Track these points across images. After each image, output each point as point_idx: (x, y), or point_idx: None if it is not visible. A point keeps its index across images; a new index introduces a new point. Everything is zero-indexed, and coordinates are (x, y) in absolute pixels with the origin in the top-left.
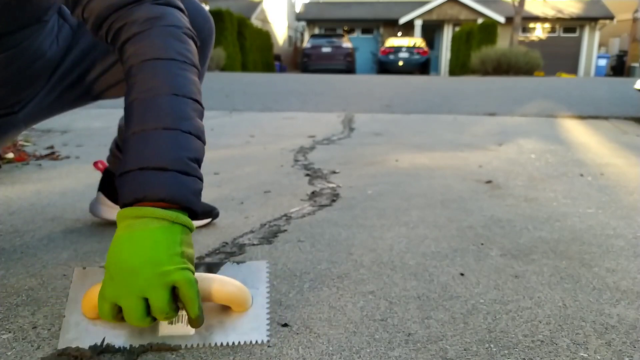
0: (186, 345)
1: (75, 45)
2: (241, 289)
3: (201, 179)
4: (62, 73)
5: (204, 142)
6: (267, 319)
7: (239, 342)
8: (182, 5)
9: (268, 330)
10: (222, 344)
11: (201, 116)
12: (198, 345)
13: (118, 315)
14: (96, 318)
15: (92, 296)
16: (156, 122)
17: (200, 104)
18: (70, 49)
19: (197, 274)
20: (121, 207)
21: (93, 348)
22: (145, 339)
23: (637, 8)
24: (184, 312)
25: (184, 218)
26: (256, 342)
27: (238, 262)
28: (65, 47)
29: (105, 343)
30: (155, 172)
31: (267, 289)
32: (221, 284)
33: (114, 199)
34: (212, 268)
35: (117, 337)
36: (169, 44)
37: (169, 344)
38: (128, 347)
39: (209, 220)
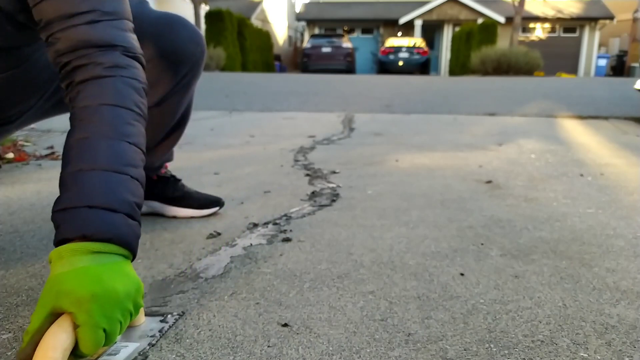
0: None
1: None
2: None
3: (140, 225)
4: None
5: (143, 191)
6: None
7: None
8: (144, 62)
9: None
10: None
11: (143, 166)
12: None
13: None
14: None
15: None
16: (108, 164)
17: (145, 155)
18: None
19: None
20: (60, 241)
21: None
22: None
23: (637, 8)
24: None
25: (128, 253)
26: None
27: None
28: None
29: None
30: (105, 212)
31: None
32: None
33: None
34: None
35: None
36: (127, 95)
37: None
38: None
39: (217, 208)
